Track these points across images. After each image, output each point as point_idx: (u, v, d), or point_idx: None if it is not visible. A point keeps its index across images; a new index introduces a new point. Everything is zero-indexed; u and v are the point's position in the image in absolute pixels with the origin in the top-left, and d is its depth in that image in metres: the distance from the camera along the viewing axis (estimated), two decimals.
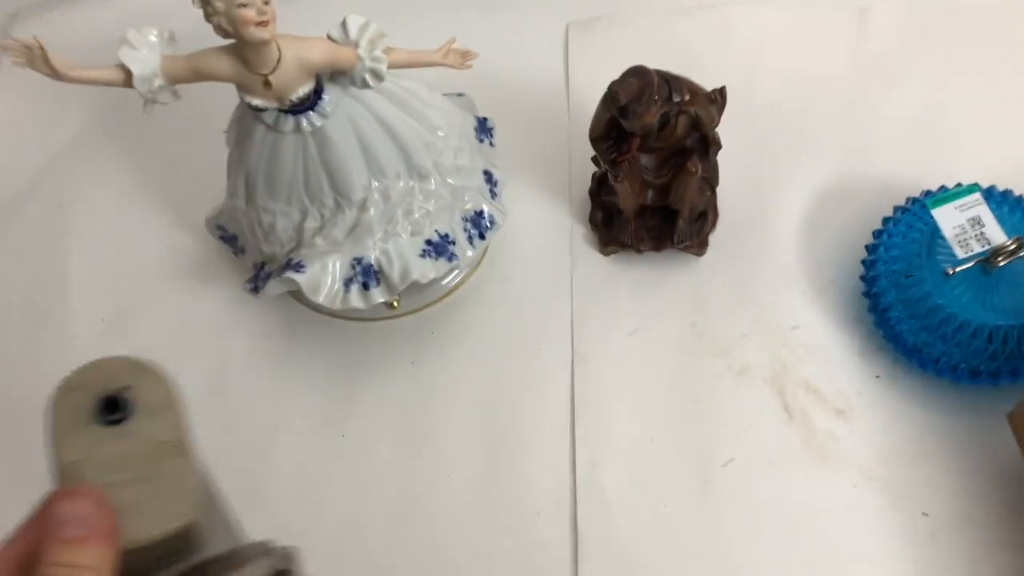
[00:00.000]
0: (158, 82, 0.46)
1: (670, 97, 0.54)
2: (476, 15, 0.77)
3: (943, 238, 0.58)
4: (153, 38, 0.46)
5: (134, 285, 0.69)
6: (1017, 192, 0.60)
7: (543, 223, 0.68)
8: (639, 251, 0.64)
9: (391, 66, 0.50)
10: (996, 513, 0.56)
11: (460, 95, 0.66)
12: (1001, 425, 0.54)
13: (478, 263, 0.66)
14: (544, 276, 0.66)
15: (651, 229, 0.64)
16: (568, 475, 0.59)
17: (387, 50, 0.50)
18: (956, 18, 0.72)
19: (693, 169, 0.58)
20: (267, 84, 0.47)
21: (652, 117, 0.53)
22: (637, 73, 0.53)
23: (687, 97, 0.55)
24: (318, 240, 0.57)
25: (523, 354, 0.63)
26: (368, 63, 0.50)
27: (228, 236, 0.64)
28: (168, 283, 0.68)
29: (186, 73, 0.47)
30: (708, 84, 0.58)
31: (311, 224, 0.57)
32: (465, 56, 0.54)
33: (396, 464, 0.61)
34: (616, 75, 0.55)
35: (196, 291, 0.67)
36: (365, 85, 0.51)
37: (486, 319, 0.65)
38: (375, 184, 0.56)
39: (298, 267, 0.57)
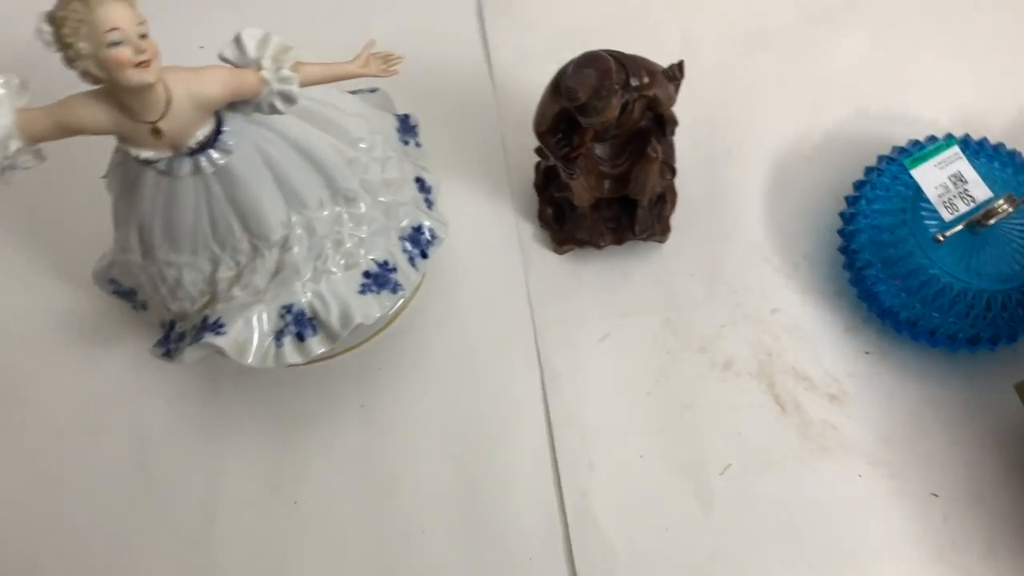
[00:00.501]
0: (15, 145, 0.36)
1: (628, 83, 0.47)
2: None
3: (926, 199, 0.53)
4: (0, 89, 0.36)
5: (18, 355, 0.58)
6: (984, 137, 0.56)
7: (485, 225, 0.60)
8: (598, 247, 0.58)
9: (303, 84, 0.41)
10: (1005, 486, 0.53)
11: (373, 91, 0.57)
12: (1000, 393, 0.52)
13: (419, 284, 0.59)
14: (495, 286, 0.59)
15: (609, 221, 0.58)
16: (556, 509, 0.53)
17: (295, 66, 0.41)
18: None
19: (654, 155, 0.51)
20: (156, 132, 0.37)
21: (614, 112, 0.46)
22: (592, 62, 0.46)
23: (646, 80, 0.48)
24: (236, 291, 0.48)
25: (485, 377, 0.56)
26: (276, 85, 0.40)
27: (124, 290, 0.54)
28: (58, 349, 0.58)
29: (50, 129, 0.37)
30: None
31: (225, 274, 0.48)
32: (388, 61, 0.45)
33: (361, 524, 0.53)
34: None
35: (92, 355, 0.57)
36: (274, 111, 0.41)
37: (437, 344, 0.57)
38: (295, 218, 0.47)
39: (217, 328, 0.48)
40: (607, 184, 0.55)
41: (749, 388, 0.56)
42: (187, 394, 0.57)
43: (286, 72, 0.41)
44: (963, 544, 0.52)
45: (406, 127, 0.56)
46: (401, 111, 0.57)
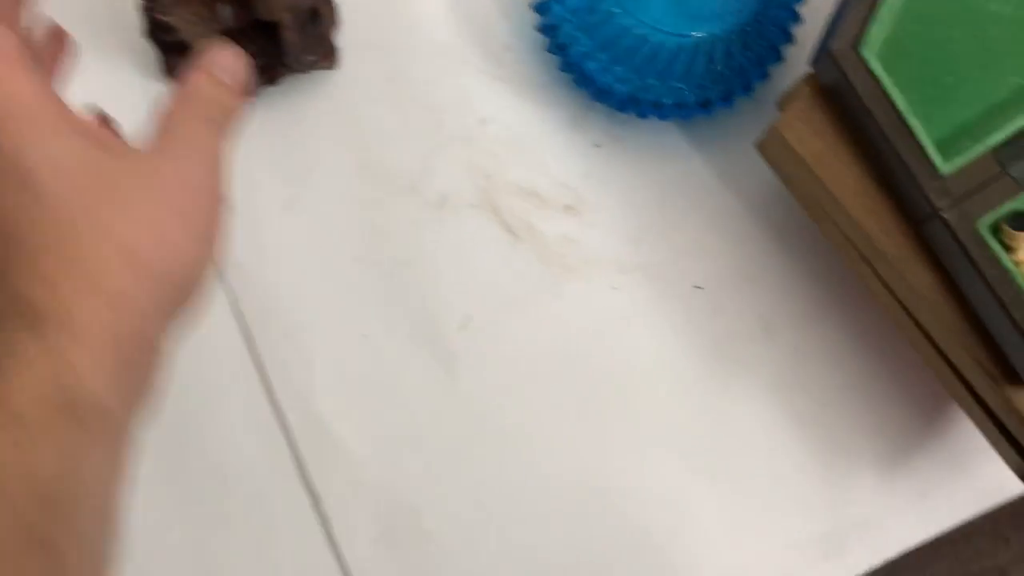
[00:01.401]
0: None
1: None
2: None
3: None
4: None
5: None
6: None
7: (106, 97, 0.46)
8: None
9: None
10: (769, 258, 0.47)
11: None
12: (748, 156, 0.44)
13: None
14: None
15: (255, 59, 0.45)
16: (276, 426, 0.44)
17: None
18: None
19: None
20: None
21: None
22: None
23: None
24: None
25: None
26: None
27: None
28: None
29: None
30: None
31: None
32: None
33: None
34: None
35: None
36: None
37: None
38: None
39: None
40: (227, 11, 0.42)
41: (472, 222, 0.46)
42: None
43: None
44: (739, 332, 0.47)
45: None
46: None
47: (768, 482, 0.45)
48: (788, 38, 0.45)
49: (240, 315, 0.45)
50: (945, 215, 0.36)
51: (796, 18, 0.45)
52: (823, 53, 0.38)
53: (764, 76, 0.45)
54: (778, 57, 0.45)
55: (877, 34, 0.38)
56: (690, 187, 0.47)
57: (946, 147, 0.37)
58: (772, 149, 0.41)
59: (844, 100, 0.38)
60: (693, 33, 0.44)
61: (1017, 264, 0.36)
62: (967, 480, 0.46)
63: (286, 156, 0.47)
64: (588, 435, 0.45)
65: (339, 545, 0.43)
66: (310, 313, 0.45)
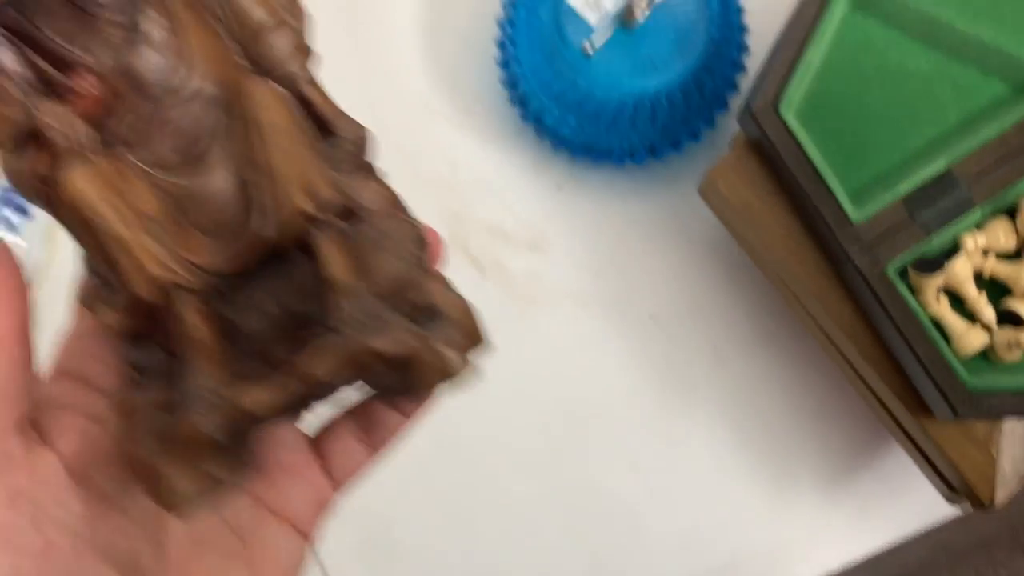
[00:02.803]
0: None
1: None
2: None
3: (569, 7, 0.47)
4: None
5: None
6: None
7: None
8: None
9: None
10: (717, 291, 0.51)
11: None
12: (693, 197, 0.48)
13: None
14: None
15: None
16: None
17: None
18: None
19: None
20: None
21: None
22: None
23: None
24: None
25: None
26: None
27: None
28: None
29: None
30: None
31: None
32: None
33: None
34: None
35: None
36: None
37: None
38: None
39: None
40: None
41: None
42: None
43: None
44: (691, 358, 0.50)
45: None
46: None
47: (717, 499, 0.49)
48: (733, 87, 0.49)
49: None
50: (856, 260, 0.40)
51: (740, 68, 0.48)
52: (745, 111, 0.42)
53: (711, 123, 0.49)
54: (724, 105, 0.49)
55: (795, 93, 0.41)
56: (645, 225, 0.51)
57: (859, 196, 0.40)
58: (709, 195, 0.45)
59: (767, 153, 0.42)
60: (642, 86, 0.47)
61: (924, 305, 0.39)
62: (906, 498, 0.49)
63: None
64: (550, 454, 0.49)
65: (321, 559, 0.47)
66: None
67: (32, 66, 0.25)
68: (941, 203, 0.40)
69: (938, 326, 0.39)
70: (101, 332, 0.28)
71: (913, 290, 0.40)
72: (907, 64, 0.42)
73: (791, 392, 0.50)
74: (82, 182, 0.25)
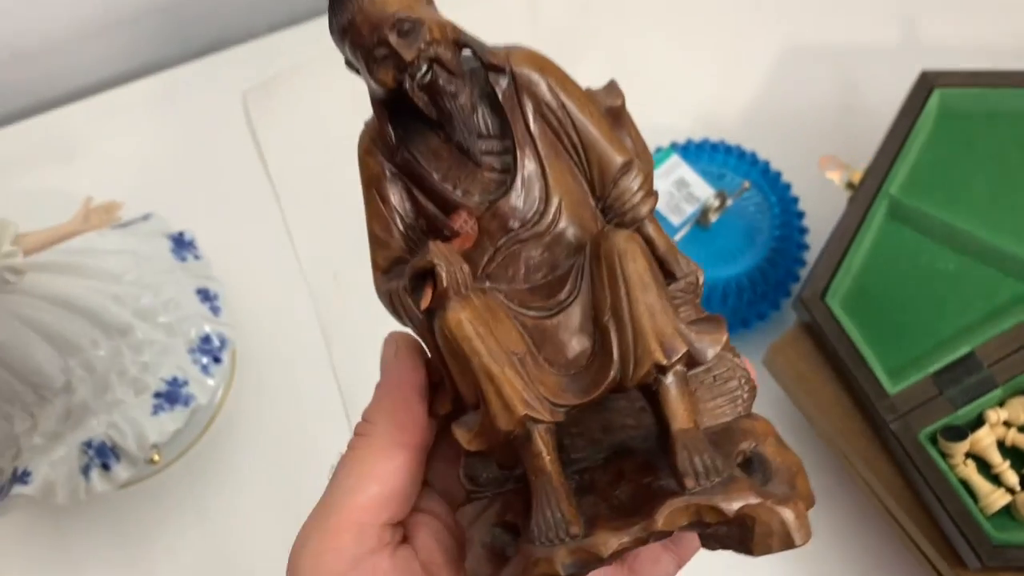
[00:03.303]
0: None
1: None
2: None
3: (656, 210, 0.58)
4: None
5: None
6: (707, 136, 0.61)
7: (283, 311, 0.64)
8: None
9: (28, 253, 0.45)
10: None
11: (146, 218, 0.61)
12: (760, 367, 0.56)
13: (231, 374, 0.62)
14: (302, 367, 0.63)
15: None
16: None
17: (17, 239, 0.45)
18: None
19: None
20: None
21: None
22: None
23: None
24: (36, 439, 0.52)
25: (311, 455, 0.60)
26: (1, 262, 0.44)
27: None
28: None
29: None
30: None
31: (22, 426, 0.52)
32: (109, 211, 0.49)
33: None
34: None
35: None
36: (7, 283, 0.45)
37: (259, 433, 0.61)
38: (72, 362, 0.51)
39: (24, 477, 0.51)
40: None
41: None
42: (29, 541, 0.60)
43: (7, 248, 0.45)
44: None
45: (182, 244, 0.60)
46: (176, 230, 0.61)
47: None
48: (795, 277, 0.58)
49: None
50: (892, 427, 0.47)
51: (800, 263, 0.58)
52: (798, 299, 0.51)
53: (776, 306, 0.58)
54: (787, 292, 0.58)
55: (839, 286, 0.50)
56: None
57: (894, 373, 0.48)
58: (771, 366, 0.53)
59: (817, 335, 0.51)
60: (716, 275, 0.57)
61: (952, 468, 0.46)
62: None
63: None
64: None
65: None
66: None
67: (416, 203, 0.29)
68: (966, 382, 0.47)
69: (966, 486, 0.46)
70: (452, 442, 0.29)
71: (943, 454, 0.47)
72: (936, 264, 0.50)
73: (849, 543, 0.56)
74: (461, 318, 0.27)
